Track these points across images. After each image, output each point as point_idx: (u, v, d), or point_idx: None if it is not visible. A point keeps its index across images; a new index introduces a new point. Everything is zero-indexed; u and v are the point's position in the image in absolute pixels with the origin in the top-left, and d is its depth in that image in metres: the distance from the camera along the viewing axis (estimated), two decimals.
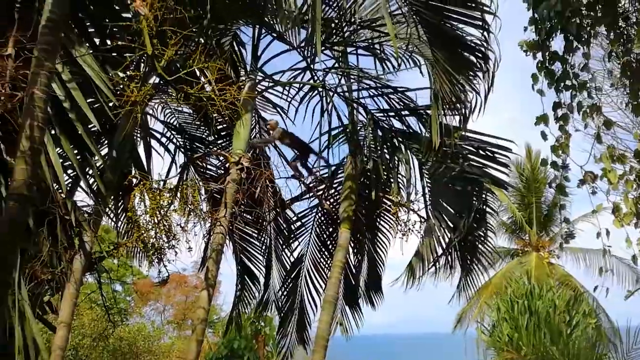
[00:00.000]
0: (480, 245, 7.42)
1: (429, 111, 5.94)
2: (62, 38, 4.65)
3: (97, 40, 6.00)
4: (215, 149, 7.99)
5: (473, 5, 4.66)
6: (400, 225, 6.83)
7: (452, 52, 5.08)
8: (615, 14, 3.74)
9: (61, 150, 5.87)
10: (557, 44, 4.31)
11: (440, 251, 6.87)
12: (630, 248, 4.28)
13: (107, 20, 5.77)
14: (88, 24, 5.87)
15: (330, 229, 8.66)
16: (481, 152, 6.67)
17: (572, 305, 9.76)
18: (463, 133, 6.40)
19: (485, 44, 4.87)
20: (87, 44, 5.82)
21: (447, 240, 6.66)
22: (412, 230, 6.78)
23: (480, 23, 4.70)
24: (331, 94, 7.33)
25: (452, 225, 6.56)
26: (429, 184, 6.97)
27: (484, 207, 7.04)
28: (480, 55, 4.97)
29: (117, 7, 5.88)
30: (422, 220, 6.92)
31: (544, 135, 4.44)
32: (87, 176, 6.23)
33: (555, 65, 4.34)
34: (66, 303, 5.35)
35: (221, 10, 5.81)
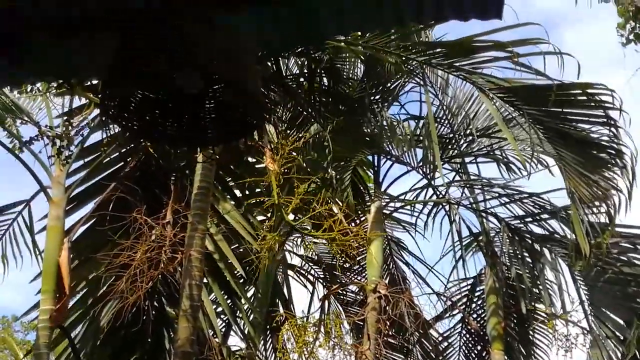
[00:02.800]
0: None
1: (569, 211, 5.61)
2: (211, 200, 5.28)
3: (237, 192, 6.69)
4: (351, 276, 8.12)
5: (592, 104, 4.54)
6: (561, 340, 6.19)
7: (579, 152, 4.88)
8: None
9: (213, 296, 6.39)
10: None
11: None
12: None
13: (244, 174, 6.44)
14: (229, 179, 6.60)
15: (479, 347, 8.06)
16: (639, 247, 6.03)
17: None
18: (613, 229, 5.89)
19: (615, 139, 4.64)
20: (229, 197, 6.50)
21: (619, 353, 5.85)
22: (575, 345, 6.10)
23: (606, 120, 4.53)
24: (457, 207, 7.27)
25: (620, 337, 5.79)
26: (585, 291, 6.34)
27: None
28: (613, 152, 4.72)
29: (251, 159, 6.56)
30: (585, 332, 6.22)
31: None
32: (238, 319, 6.64)
33: None
34: None
35: (341, 150, 6.24)
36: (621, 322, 5.90)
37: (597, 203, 5.09)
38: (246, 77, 1.88)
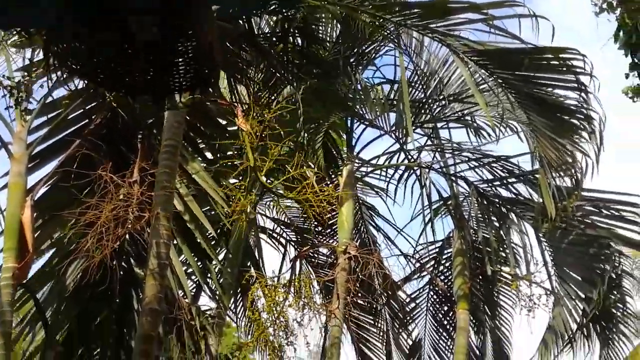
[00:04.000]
0: (617, 312, 6.71)
1: (537, 175, 5.71)
2: (179, 159, 5.18)
3: (208, 154, 6.59)
4: (322, 239, 8.16)
5: (564, 69, 4.54)
6: (524, 301, 6.39)
7: (550, 116, 4.92)
8: None
9: (183, 258, 6.35)
10: None
11: (573, 324, 6.27)
12: None
13: (215, 135, 6.33)
14: (199, 141, 6.48)
15: (446, 308, 8.30)
16: (604, 211, 6.20)
17: None
18: (579, 194, 6.02)
19: (585, 104, 4.68)
20: (200, 158, 6.40)
21: (580, 311, 6.08)
22: (539, 305, 6.31)
23: (577, 85, 4.55)
24: (427, 171, 7.32)
25: (582, 295, 6.00)
26: (550, 252, 6.52)
27: (617, 270, 6.43)
28: (582, 117, 4.76)
29: (223, 122, 6.45)
30: (548, 292, 6.42)
31: None
32: (208, 280, 6.63)
33: None
34: None
35: (314, 112, 6.16)
36: (582, 281, 6.09)
37: (564, 167, 5.17)
38: (200, 27, 1.80)
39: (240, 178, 6.02)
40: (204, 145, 6.51)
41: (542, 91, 4.75)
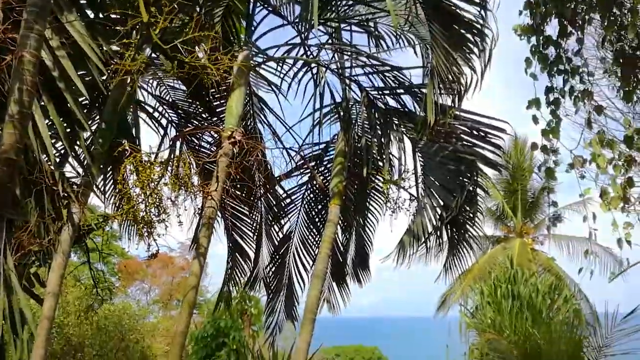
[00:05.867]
0: (469, 227, 7.46)
1: (424, 90, 5.91)
2: (51, 2, 4.52)
3: (90, 13, 5.86)
4: (207, 124, 7.89)
5: None
6: (390, 203, 6.84)
7: (449, 29, 5.04)
8: (609, 0, 3.75)
9: (49, 121, 5.76)
10: (551, 28, 4.34)
11: (430, 229, 6.88)
12: (616, 232, 4.34)
13: None
14: None
15: (320, 206, 8.67)
16: (474, 132, 6.66)
17: (553, 290, 9.94)
18: (458, 112, 6.39)
19: (482, 21, 4.83)
20: (79, 14, 5.67)
21: (438, 219, 6.67)
22: (402, 208, 6.79)
23: (478, 0, 4.66)
24: (324, 70, 7.26)
25: (443, 204, 6.56)
26: (421, 163, 6.96)
27: (475, 187, 7.05)
28: (476, 32, 4.93)
29: None
30: (413, 198, 6.93)
31: (535, 119, 4.49)
32: (77, 148, 6.13)
33: (548, 50, 4.38)
34: (54, 274, 5.28)
35: None
36: (445, 191, 6.62)
37: (452, 81, 5.39)
38: None
39: (126, 39, 5.47)
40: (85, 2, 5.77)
41: (447, 1, 4.80)
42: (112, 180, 7.28)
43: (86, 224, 6.15)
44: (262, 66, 7.71)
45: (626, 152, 4.36)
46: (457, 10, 5.04)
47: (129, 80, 5.36)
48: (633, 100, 4.01)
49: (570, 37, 4.25)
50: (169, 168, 6.15)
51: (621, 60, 4.18)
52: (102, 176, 7.24)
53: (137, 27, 5.21)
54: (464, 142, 6.69)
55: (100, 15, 5.91)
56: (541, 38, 4.31)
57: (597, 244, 16.70)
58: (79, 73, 5.53)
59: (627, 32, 3.85)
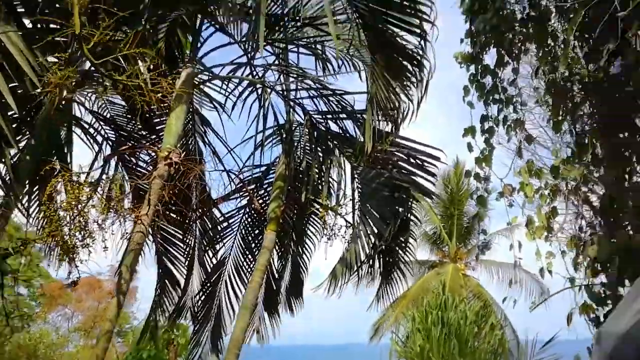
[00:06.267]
0: (401, 253, 7.56)
1: (365, 115, 6.03)
2: None
3: (27, 22, 5.58)
4: (145, 142, 7.61)
5: (412, 12, 4.79)
6: (327, 230, 6.83)
7: (390, 57, 5.19)
8: (544, 32, 3.98)
9: None
10: (490, 58, 4.54)
11: (364, 258, 6.91)
12: (539, 261, 4.50)
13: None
14: (16, 3, 5.44)
15: (257, 231, 8.49)
16: (411, 159, 6.82)
17: (480, 317, 10.19)
18: (396, 140, 6.55)
19: (421, 52, 5.03)
20: (15, 24, 5.38)
21: (371, 247, 6.70)
22: (338, 235, 6.80)
23: (419, 31, 4.84)
24: (269, 91, 7.26)
25: (377, 232, 6.61)
26: (359, 189, 7.04)
27: (409, 215, 7.18)
28: (416, 63, 5.12)
29: None
30: (349, 225, 6.97)
31: (470, 147, 4.64)
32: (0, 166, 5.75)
33: (486, 79, 4.57)
34: None
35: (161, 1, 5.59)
36: (379, 218, 6.69)
37: (390, 109, 5.54)
38: None
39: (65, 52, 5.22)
40: (23, 10, 5.50)
41: (390, 30, 4.95)
42: (37, 200, 6.85)
43: (3, 248, 5.73)
44: (207, 84, 7.60)
45: (552, 182, 4.57)
46: (398, 40, 5.21)
47: (64, 94, 5.12)
48: (561, 131, 4.23)
49: (507, 66, 4.43)
50: (99, 189, 5.87)
51: (552, 91, 4.41)
52: (27, 196, 6.79)
53: (76, 39, 5.00)
54: (401, 170, 6.85)
55: (39, 26, 5.65)
56: (479, 67, 4.49)
57: (524, 270, 17.28)
58: (10, 86, 5.23)
59: (559, 64, 4.07)
